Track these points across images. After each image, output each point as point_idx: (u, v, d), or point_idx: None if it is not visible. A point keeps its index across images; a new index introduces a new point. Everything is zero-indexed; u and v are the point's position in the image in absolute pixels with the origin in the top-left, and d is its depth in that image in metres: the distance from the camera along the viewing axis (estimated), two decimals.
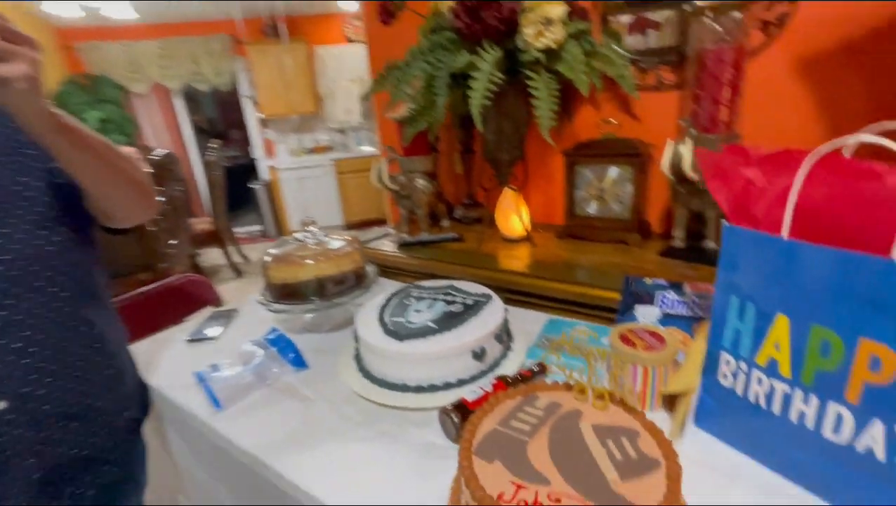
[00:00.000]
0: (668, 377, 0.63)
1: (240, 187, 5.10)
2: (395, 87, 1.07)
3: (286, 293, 0.95)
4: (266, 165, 4.71)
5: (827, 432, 0.47)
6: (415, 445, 0.64)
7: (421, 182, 1.35)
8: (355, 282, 1.00)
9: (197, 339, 1.00)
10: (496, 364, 0.77)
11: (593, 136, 1.19)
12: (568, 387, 0.58)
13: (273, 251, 0.97)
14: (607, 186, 1.16)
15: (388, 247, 1.35)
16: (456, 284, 0.93)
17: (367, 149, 4.78)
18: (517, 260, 1.15)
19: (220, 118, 6.11)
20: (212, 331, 1.02)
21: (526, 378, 0.70)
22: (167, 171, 2.60)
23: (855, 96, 0.92)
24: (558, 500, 0.42)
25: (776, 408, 0.50)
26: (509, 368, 0.76)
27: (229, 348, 0.93)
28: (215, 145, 3.51)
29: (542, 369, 0.73)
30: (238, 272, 3.75)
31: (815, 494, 0.49)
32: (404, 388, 0.73)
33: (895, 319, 0.40)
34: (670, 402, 0.64)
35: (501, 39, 0.97)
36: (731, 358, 0.55)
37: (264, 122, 4.76)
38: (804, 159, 0.44)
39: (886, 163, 0.40)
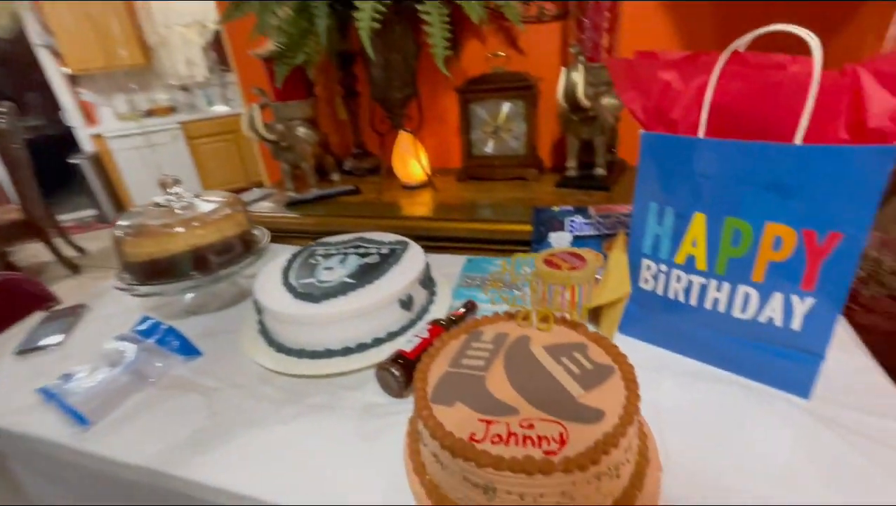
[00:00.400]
0: (592, 292, 0.66)
1: (55, 164, 4.04)
2: (261, 14, 0.89)
3: (154, 272, 0.77)
4: (87, 133, 3.80)
5: (736, 312, 0.52)
6: (353, 409, 0.57)
7: (302, 130, 1.19)
8: (243, 249, 0.85)
9: (29, 349, 0.77)
10: (424, 311, 0.73)
11: (482, 70, 1.16)
12: (509, 316, 0.57)
13: (127, 222, 0.77)
14: (502, 123, 1.16)
15: (272, 209, 1.19)
16: (365, 235, 0.85)
17: (221, 108, 4.13)
18: (422, 206, 1.10)
19: (4, 77, 4.70)
20: (50, 338, 0.79)
21: (459, 318, 0.68)
22: None
23: (705, 23, 1.03)
24: (531, 425, 0.40)
25: (693, 300, 0.55)
26: (438, 313, 0.73)
27: (82, 353, 0.73)
28: (6, 109, 2.69)
29: (472, 307, 0.71)
30: (73, 267, 3.06)
31: (729, 370, 0.55)
32: (329, 353, 0.64)
33: (795, 199, 0.44)
34: (595, 314, 0.67)
35: None
36: (651, 263, 0.58)
37: (75, 80, 3.80)
38: (717, 57, 0.46)
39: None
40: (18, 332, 0.83)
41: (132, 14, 3.69)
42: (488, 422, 0.41)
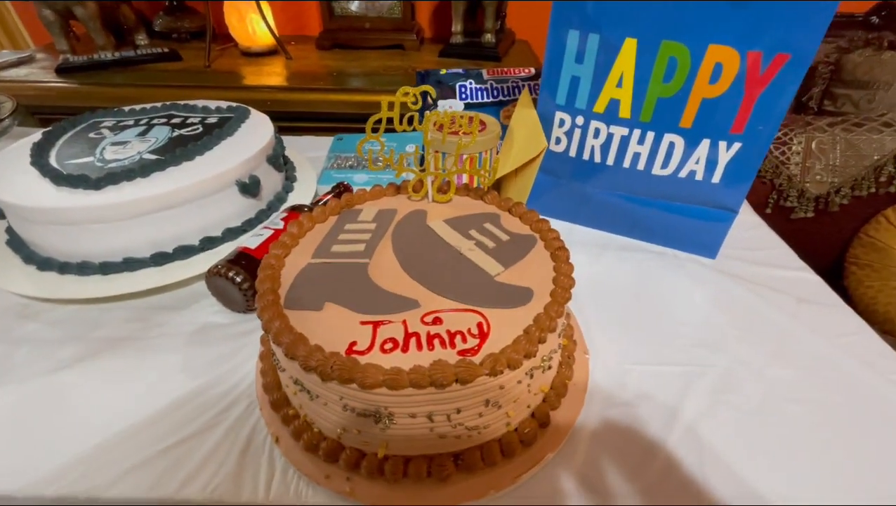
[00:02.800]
0: (495, 161, 0.54)
1: None
2: None
3: None
4: None
5: (657, 168, 0.45)
6: (176, 337, 0.39)
7: None
8: None
9: None
10: (280, 199, 0.54)
11: None
12: (395, 189, 0.42)
13: None
14: None
15: (36, 76, 0.80)
16: (181, 102, 0.59)
17: None
18: (273, 76, 0.84)
19: None
20: None
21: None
22: None
23: None
24: (438, 320, 0.28)
25: (611, 159, 0.47)
26: (300, 200, 0.55)
27: None
28: None
29: (347, 189, 0.54)
30: None
31: (638, 238, 0.50)
32: (131, 263, 0.43)
33: (748, 10, 0.35)
34: (496, 188, 0.56)
35: None
36: (566, 115, 0.47)
37: None
38: None
39: None
40: None
41: None
42: (376, 324, 0.27)
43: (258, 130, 0.54)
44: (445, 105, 0.67)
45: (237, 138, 0.51)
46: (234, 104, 0.58)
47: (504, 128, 0.62)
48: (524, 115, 0.51)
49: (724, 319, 0.41)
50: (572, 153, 0.49)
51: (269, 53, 0.93)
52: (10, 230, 0.46)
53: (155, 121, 0.54)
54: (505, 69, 0.71)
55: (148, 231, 0.43)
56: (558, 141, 0.49)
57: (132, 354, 0.38)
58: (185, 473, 0.29)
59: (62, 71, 0.79)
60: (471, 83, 0.69)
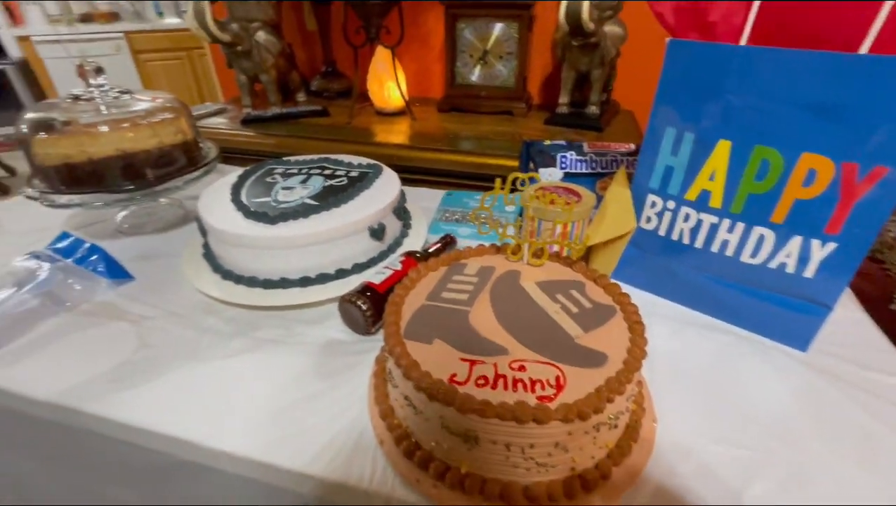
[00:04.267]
0: (587, 231, 0.60)
1: None
2: None
3: (73, 179, 0.64)
4: (12, 35, 3.30)
5: (746, 256, 0.47)
6: (311, 345, 0.50)
7: (263, 35, 1.03)
8: (186, 163, 0.73)
9: None
10: (397, 244, 0.65)
11: None
12: (496, 249, 0.50)
13: (34, 115, 0.63)
14: (491, 47, 1.04)
15: (226, 125, 1.04)
16: (332, 156, 0.74)
17: (173, 21, 3.68)
18: (399, 134, 0.99)
19: None
20: None
21: (437, 252, 0.60)
22: None
23: None
24: (523, 368, 0.34)
25: (699, 242, 0.50)
26: (413, 246, 0.65)
27: None
28: None
29: (452, 241, 0.64)
30: (3, 189, 2.75)
31: (723, 319, 0.52)
32: (285, 283, 0.56)
33: (844, 124, 0.38)
34: (586, 255, 0.61)
35: None
36: (657, 199, 0.52)
37: None
38: None
39: None
40: None
41: None
42: (472, 362, 0.35)
43: (388, 185, 0.66)
44: (546, 173, 0.75)
45: (372, 191, 0.63)
46: (372, 161, 0.72)
47: (599, 198, 0.68)
48: (618, 192, 0.57)
49: (806, 414, 0.41)
50: (661, 232, 0.53)
51: (399, 113, 1.09)
52: (206, 245, 0.62)
53: (313, 171, 0.69)
54: (605, 143, 0.77)
55: (300, 259, 0.56)
56: (649, 220, 0.53)
57: (280, 353, 0.49)
58: (314, 450, 0.38)
59: (245, 122, 1.02)
60: (572, 154, 0.76)
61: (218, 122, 1.05)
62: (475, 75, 1.09)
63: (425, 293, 0.43)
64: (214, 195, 0.62)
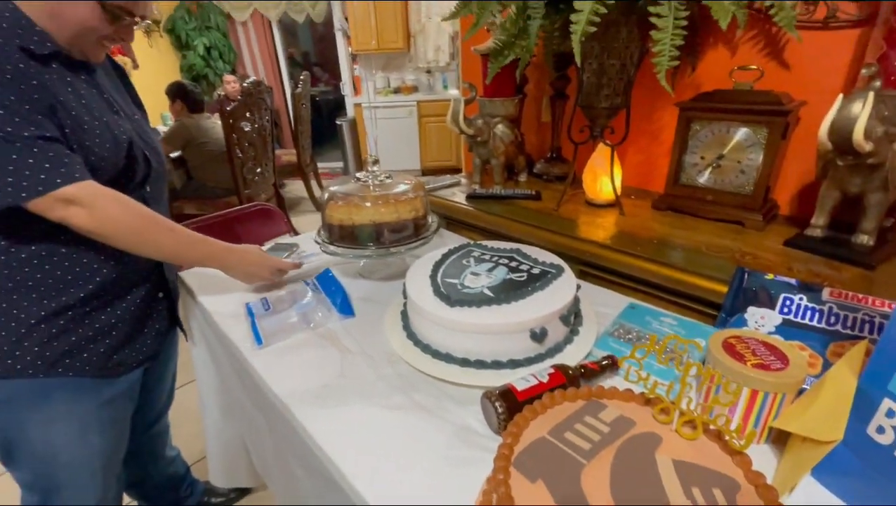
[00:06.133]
0: (785, 408, 0.48)
1: (326, 122, 5.21)
2: (482, 9, 0.92)
3: (342, 235, 0.90)
4: (352, 101, 4.71)
5: None
6: (451, 425, 0.56)
7: (500, 128, 1.20)
8: (414, 231, 0.92)
9: None
10: (557, 349, 0.66)
11: (721, 85, 0.95)
12: (646, 400, 0.46)
13: (334, 189, 0.91)
14: (729, 152, 0.94)
15: (456, 197, 1.25)
16: (524, 248, 0.81)
17: (453, 92, 4.57)
18: (601, 229, 0.99)
19: (313, 51, 6.18)
20: None
21: (592, 373, 0.59)
22: (258, 99, 2.66)
23: None
24: None
25: None
26: (572, 356, 0.65)
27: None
28: (303, 78, 3.54)
29: (613, 365, 0.61)
30: (317, 206, 3.90)
31: None
32: (449, 358, 0.65)
33: None
34: (780, 437, 0.49)
35: None
36: None
37: (354, 58, 4.71)
38: None
39: None
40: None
41: (406, 6, 4.33)
42: None
43: (564, 289, 0.68)
44: (755, 315, 0.63)
45: (546, 293, 0.67)
46: (556, 261, 0.75)
47: (827, 366, 0.55)
48: (841, 377, 0.44)
49: None
50: None
51: (608, 206, 1.09)
52: (404, 305, 0.78)
53: (501, 261, 0.77)
54: (861, 296, 0.60)
55: (464, 342, 0.64)
56: (881, 430, 0.40)
57: (425, 422, 0.57)
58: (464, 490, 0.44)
59: (470, 197, 1.20)
60: (801, 299, 0.62)
61: (450, 193, 1.27)
62: (704, 177, 0.99)
63: (551, 424, 0.44)
64: (421, 267, 0.77)
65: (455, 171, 4.42)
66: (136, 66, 3.66)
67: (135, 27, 0.70)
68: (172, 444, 1.18)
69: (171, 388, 1.09)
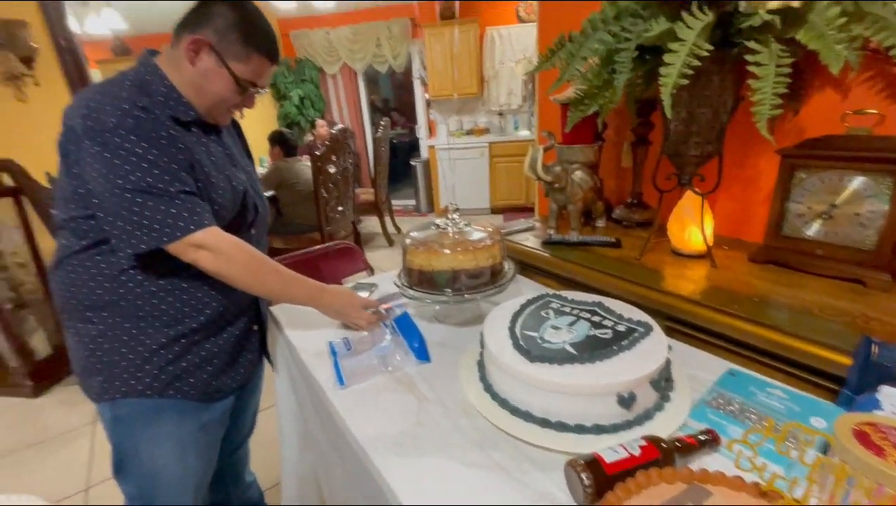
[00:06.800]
0: None
1: (401, 163, 5.52)
2: (566, 64, 0.94)
3: (421, 280, 0.92)
4: (426, 144, 4.95)
5: None
6: (531, 490, 0.54)
7: (579, 175, 1.19)
8: (490, 278, 0.92)
9: None
10: (647, 416, 0.61)
11: (831, 130, 0.87)
12: (760, 492, 0.41)
13: (415, 235, 0.95)
14: (843, 202, 0.85)
15: (530, 242, 1.24)
16: (606, 301, 0.78)
17: (524, 133, 4.64)
18: (690, 282, 0.93)
19: (393, 98, 6.66)
20: None
21: (689, 449, 0.54)
22: (343, 144, 2.89)
23: None
24: None
25: None
26: (664, 426, 0.60)
27: None
28: (384, 123, 3.79)
29: (713, 441, 0.55)
30: (390, 242, 4.06)
31: None
32: (528, 417, 0.63)
33: None
34: None
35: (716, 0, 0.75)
36: None
37: (429, 103, 4.99)
38: None
39: None
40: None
41: (480, 53, 4.54)
42: None
43: (654, 351, 0.64)
44: (892, 396, 0.55)
45: (634, 354, 0.63)
46: (644, 318, 0.71)
47: None
48: None
49: None
50: None
51: (697, 257, 1.02)
52: (481, 354, 0.77)
53: (583, 315, 0.74)
54: None
55: (544, 401, 0.61)
56: None
57: (501, 481, 0.55)
58: None
59: (545, 243, 1.19)
60: None
61: (525, 238, 1.27)
62: (812, 229, 0.90)
63: None
64: (498, 318, 0.76)
65: (524, 209, 4.41)
66: (241, 116, 4.16)
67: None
68: (250, 469, 1.24)
69: (255, 415, 1.16)
